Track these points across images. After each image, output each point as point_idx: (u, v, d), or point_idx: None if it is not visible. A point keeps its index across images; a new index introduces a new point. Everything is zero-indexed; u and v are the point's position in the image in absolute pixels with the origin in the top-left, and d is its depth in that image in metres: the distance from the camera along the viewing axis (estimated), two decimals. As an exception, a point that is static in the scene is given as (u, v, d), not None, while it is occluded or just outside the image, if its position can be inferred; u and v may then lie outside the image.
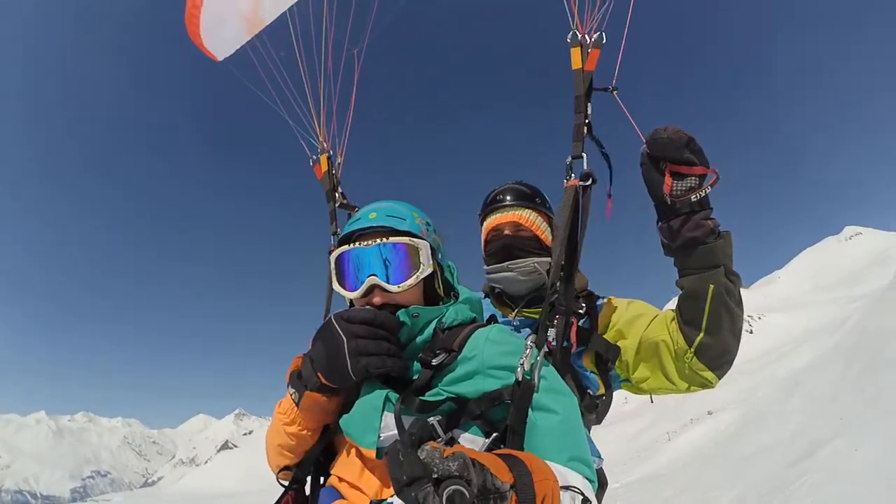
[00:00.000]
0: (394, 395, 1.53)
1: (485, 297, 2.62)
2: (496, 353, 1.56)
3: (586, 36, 2.08)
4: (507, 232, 2.42)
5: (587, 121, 2.05)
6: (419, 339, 1.64)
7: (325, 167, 2.89)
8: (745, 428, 22.94)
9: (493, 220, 2.46)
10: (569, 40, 2.09)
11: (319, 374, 1.55)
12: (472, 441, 1.50)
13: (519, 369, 1.49)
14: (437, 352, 1.57)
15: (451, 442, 1.48)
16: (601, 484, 2.16)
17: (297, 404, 1.62)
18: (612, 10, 2.06)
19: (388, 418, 1.50)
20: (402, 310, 1.59)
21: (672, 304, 2.11)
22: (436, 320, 1.66)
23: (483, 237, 2.51)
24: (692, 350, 1.94)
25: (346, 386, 1.57)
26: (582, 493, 1.26)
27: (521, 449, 1.43)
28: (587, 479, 1.38)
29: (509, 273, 2.35)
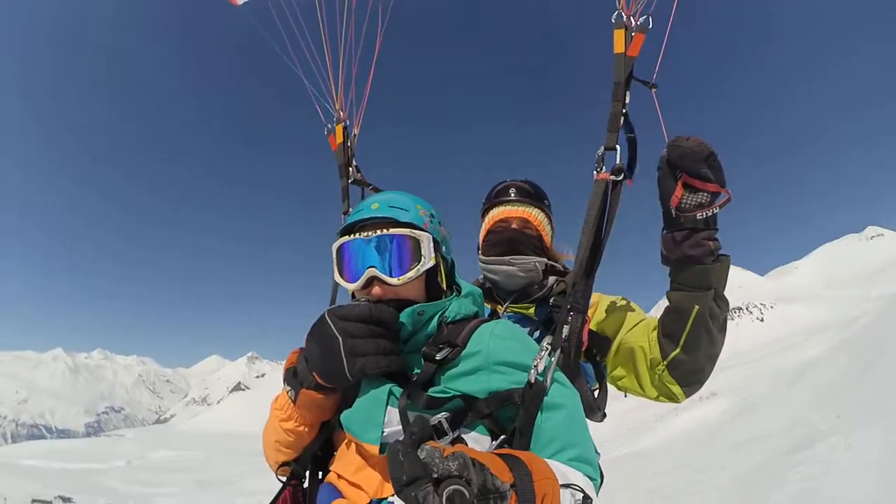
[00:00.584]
0: (397, 390, 1.50)
1: None
2: (502, 348, 1.54)
3: (632, 18, 1.95)
4: (514, 226, 2.39)
5: (624, 110, 1.93)
6: (423, 332, 1.60)
7: (340, 138, 2.72)
8: (740, 415, 23.14)
9: (501, 212, 2.42)
10: (613, 21, 1.96)
11: (315, 374, 1.52)
12: (477, 441, 1.49)
13: (532, 371, 1.47)
14: (441, 346, 1.55)
15: (458, 441, 1.46)
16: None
17: (294, 402, 1.61)
18: None
19: (392, 413, 1.47)
20: (408, 309, 1.55)
21: (662, 304, 2.09)
22: (439, 314, 1.63)
23: (486, 227, 2.45)
24: (665, 363, 1.95)
25: (343, 386, 1.56)
26: (582, 491, 1.27)
27: (528, 450, 1.42)
28: (589, 477, 1.38)
29: (510, 267, 2.32)
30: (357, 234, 1.62)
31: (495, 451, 1.17)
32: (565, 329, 1.73)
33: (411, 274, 1.59)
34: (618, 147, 1.90)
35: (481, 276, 2.50)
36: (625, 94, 1.93)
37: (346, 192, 2.60)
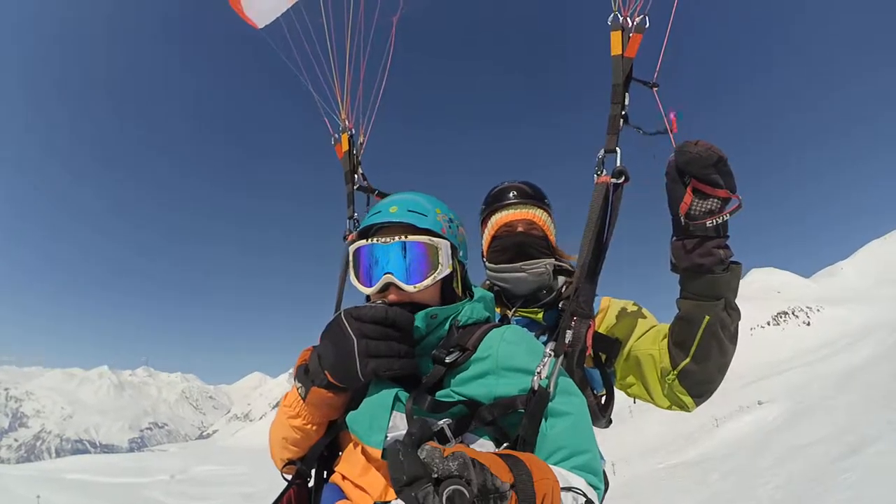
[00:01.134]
0: (403, 394, 1.49)
1: None
2: (511, 353, 1.53)
3: (628, 19, 1.94)
4: (520, 229, 2.33)
5: (624, 112, 1.92)
6: (434, 335, 1.60)
7: (346, 146, 2.76)
8: (793, 419, 22.78)
9: (505, 216, 2.35)
10: (609, 22, 1.96)
11: (327, 373, 1.51)
12: (481, 447, 1.47)
13: (535, 377, 1.47)
14: (452, 349, 1.54)
15: None
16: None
17: (304, 399, 1.60)
18: None
19: (397, 418, 1.46)
20: (422, 312, 1.56)
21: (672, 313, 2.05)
22: (452, 317, 1.63)
23: (491, 232, 2.38)
24: (675, 372, 1.91)
25: (354, 387, 1.54)
26: (584, 495, 1.27)
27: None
28: (593, 486, 1.38)
29: (521, 273, 2.28)
30: (375, 239, 1.61)
31: (495, 452, 1.18)
32: (568, 334, 1.74)
33: (428, 282, 1.58)
34: (618, 150, 1.89)
35: (488, 280, 2.46)
36: (624, 96, 1.92)
37: (352, 198, 2.66)
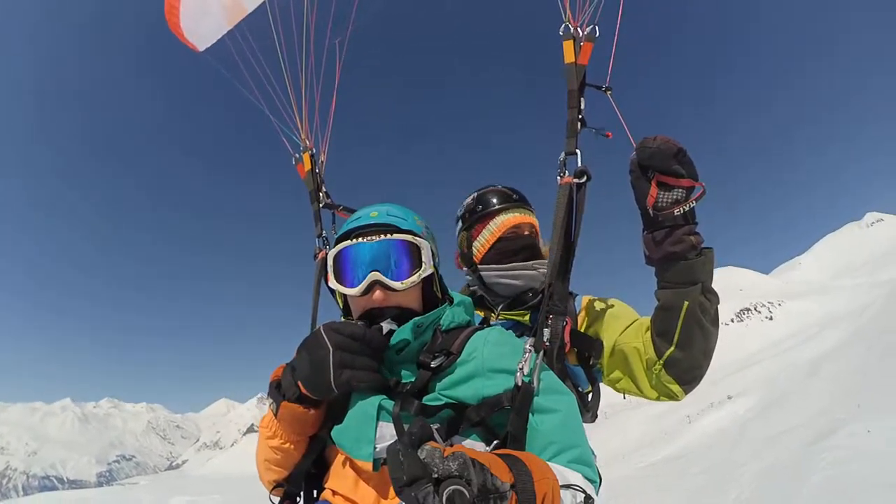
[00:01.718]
0: (388, 403, 1.50)
1: None
2: (496, 354, 1.56)
3: (579, 29, 2.02)
4: (526, 233, 2.40)
5: (581, 116, 1.99)
6: (419, 341, 1.61)
7: (308, 166, 2.78)
8: (765, 410, 23.31)
9: (513, 219, 2.39)
10: (561, 33, 2.02)
11: (299, 383, 1.51)
12: (471, 447, 1.40)
13: (518, 374, 1.49)
14: (436, 354, 1.56)
15: None
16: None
17: (276, 415, 1.59)
18: (605, 5, 2.01)
19: (384, 428, 1.47)
20: (408, 325, 1.56)
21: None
22: (434, 322, 1.65)
23: (496, 233, 2.39)
24: (661, 362, 1.94)
25: (325, 398, 1.54)
26: (584, 491, 1.28)
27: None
28: (588, 479, 1.39)
29: (533, 272, 2.33)
30: (359, 239, 1.63)
31: (495, 452, 1.18)
32: (546, 332, 1.76)
33: (414, 279, 1.61)
34: (577, 151, 1.95)
35: (474, 286, 2.49)
36: (580, 101, 2.00)
37: (318, 216, 2.67)
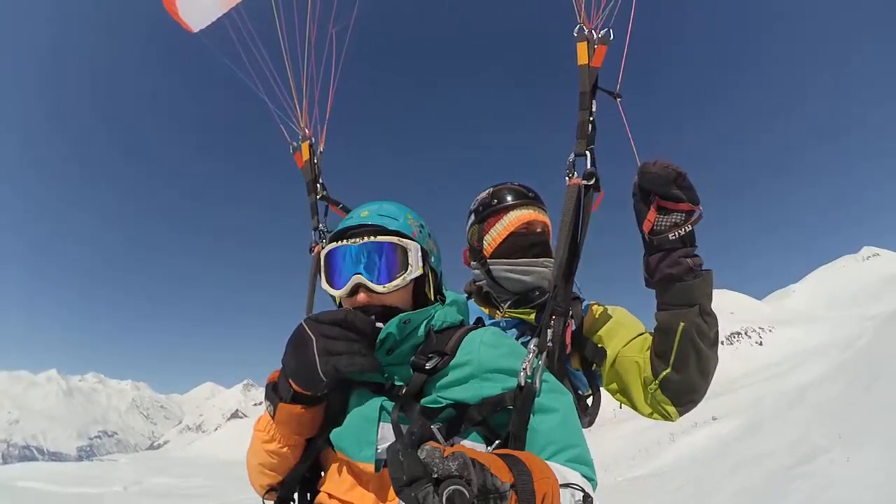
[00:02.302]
0: (389, 404, 1.49)
1: (468, 297, 2.55)
2: (493, 356, 1.55)
3: (593, 31, 2.01)
4: (539, 230, 2.38)
5: (591, 118, 1.98)
6: (409, 342, 1.59)
7: (306, 156, 2.74)
8: (747, 433, 23.38)
9: (527, 215, 2.37)
10: (575, 34, 2.01)
11: (291, 381, 1.49)
12: (473, 448, 1.37)
13: (521, 374, 1.48)
14: (431, 355, 1.54)
15: None
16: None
17: (273, 417, 1.56)
18: (620, 7, 1.98)
19: (385, 430, 1.46)
20: (395, 319, 1.54)
21: None
22: (426, 322, 1.62)
23: (508, 228, 2.37)
24: (657, 382, 1.94)
25: (317, 390, 1.47)
26: (583, 490, 1.28)
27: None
28: (587, 477, 1.39)
29: (543, 269, 2.32)
30: (345, 241, 1.63)
31: (495, 452, 1.17)
32: (549, 332, 1.76)
33: (397, 282, 1.60)
34: (587, 153, 1.95)
35: (481, 281, 2.48)
36: (591, 103, 1.98)
37: (315, 208, 2.64)
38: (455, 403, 1.50)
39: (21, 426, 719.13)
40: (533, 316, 2.28)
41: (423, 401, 1.51)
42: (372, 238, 1.61)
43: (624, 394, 2.12)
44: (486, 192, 2.50)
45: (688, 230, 1.84)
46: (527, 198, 2.42)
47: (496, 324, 2.33)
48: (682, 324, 1.85)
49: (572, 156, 1.95)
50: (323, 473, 1.68)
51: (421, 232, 1.73)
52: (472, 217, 2.51)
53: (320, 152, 2.77)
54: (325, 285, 1.67)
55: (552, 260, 2.25)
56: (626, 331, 2.17)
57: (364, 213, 1.69)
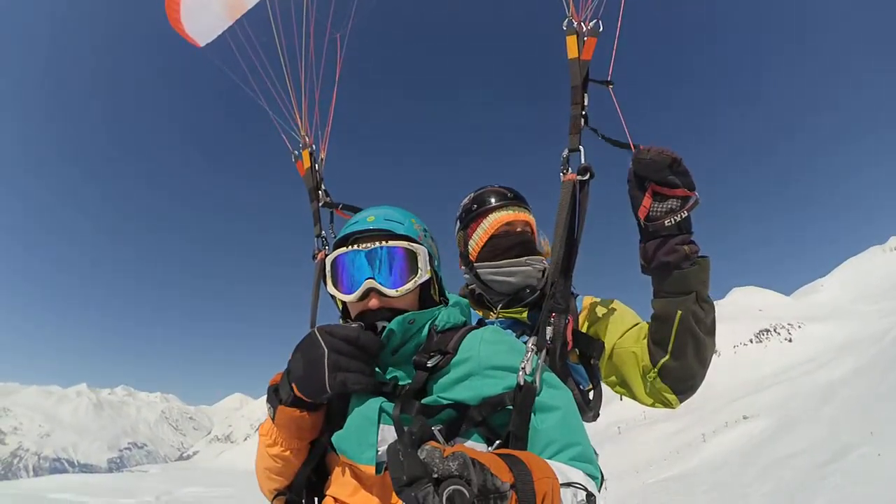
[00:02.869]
0: (388, 406, 1.48)
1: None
2: (492, 353, 1.55)
3: (582, 24, 1.98)
4: (519, 230, 2.37)
5: (584, 112, 1.96)
6: (413, 342, 1.60)
7: (307, 163, 2.75)
8: (778, 432, 23.21)
9: (506, 216, 2.36)
10: (564, 28, 1.99)
11: (294, 385, 1.49)
12: (474, 448, 1.35)
13: (520, 373, 1.48)
14: (432, 353, 1.55)
15: None
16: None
17: (273, 420, 1.58)
18: None
19: (385, 431, 1.45)
20: (399, 317, 1.56)
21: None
22: (429, 322, 1.64)
23: (489, 231, 2.37)
24: (655, 370, 1.94)
25: (320, 399, 1.50)
26: (585, 489, 1.27)
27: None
28: (590, 475, 1.38)
29: (527, 268, 2.30)
30: (354, 246, 1.63)
31: (495, 451, 1.17)
32: (549, 330, 1.73)
33: (409, 286, 1.60)
34: (581, 148, 1.92)
35: (472, 285, 2.48)
36: (583, 97, 1.96)
37: (318, 216, 2.62)
38: (455, 404, 1.50)
39: (52, 439, 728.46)
40: (525, 314, 2.30)
41: (423, 400, 1.51)
42: (383, 243, 1.62)
43: (623, 385, 2.13)
44: (468, 197, 2.52)
45: (684, 216, 1.83)
46: (506, 199, 2.42)
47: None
48: (679, 311, 1.87)
49: (566, 151, 1.94)
50: (329, 477, 1.67)
51: (425, 235, 1.74)
52: (458, 223, 2.53)
53: (322, 159, 2.79)
54: (332, 290, 1.67)
55: (535, 258, 2.32)
56: (621, 323, 2.18)
57: (370, 218, 1.68)
